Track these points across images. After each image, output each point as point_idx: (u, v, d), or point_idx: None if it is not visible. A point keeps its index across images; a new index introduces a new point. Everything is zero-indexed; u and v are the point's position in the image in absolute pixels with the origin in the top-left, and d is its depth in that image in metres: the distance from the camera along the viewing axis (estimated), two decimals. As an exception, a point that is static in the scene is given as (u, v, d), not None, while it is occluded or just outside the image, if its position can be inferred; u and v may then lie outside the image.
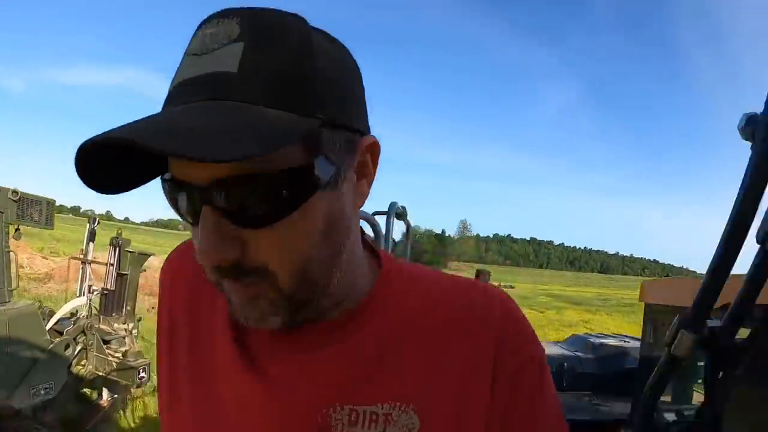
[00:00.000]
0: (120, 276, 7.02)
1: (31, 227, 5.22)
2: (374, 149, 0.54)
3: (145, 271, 7.73)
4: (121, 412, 6.59)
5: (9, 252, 4.81)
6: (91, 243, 7.52)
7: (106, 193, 0.47)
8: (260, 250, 0.47)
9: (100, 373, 6.15)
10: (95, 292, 7.07)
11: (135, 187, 0.49)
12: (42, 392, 4.86)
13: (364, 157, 0.53)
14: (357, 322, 0.58)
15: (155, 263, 7.65)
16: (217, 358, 0.61)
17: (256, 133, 0.41)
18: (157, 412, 6.90)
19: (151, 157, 0.46)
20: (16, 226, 4.96)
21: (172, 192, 0.48)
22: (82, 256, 7.53)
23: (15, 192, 4.75)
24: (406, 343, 0.57)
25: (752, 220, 1.01)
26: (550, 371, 0.62)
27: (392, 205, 2.92)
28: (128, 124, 0.41)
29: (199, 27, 0.47)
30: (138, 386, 6.37)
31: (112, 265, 7.01)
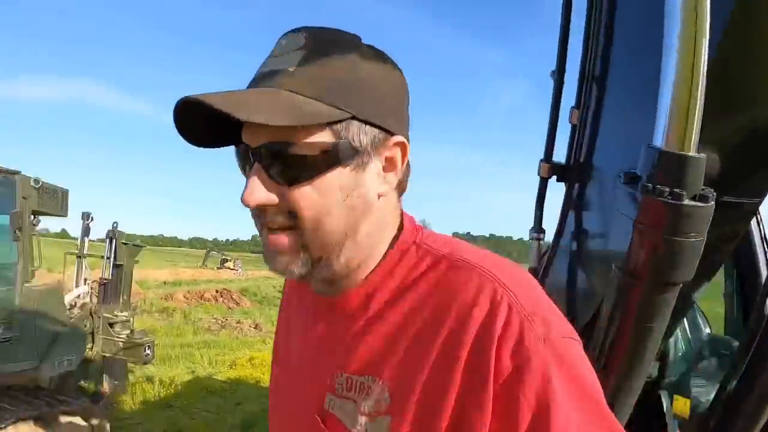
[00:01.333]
0: (116, 267, 7.41)
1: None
2: (402, 148, 0.65)
3: (138, 262, 8.12)
4: (123, 399, 6.98)
5: (33, 235, 5.22)
6: (85, 238, 7.85)
7: (197, 146, 0.64)
8: (290, 200, 0.60)
9: (107, 355, 6.54)
10: (90, 283, 7.44)
11: (220, 146, 0.66)
12: (65, 364, 5.25)
13: (392, 153, 0.65)
14: (362, 298, 0.67)
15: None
16: (297, 323, 0.80)
17: (291, 111, 0.56)
18: (155, 397, 7.34)
19: (229, 125, 0.60)
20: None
21: (239, 152, 0.64)
22: (77, 251, 7.86)
23: (36, 180, 5.15)
24: (396, 323, 0.63)
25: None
26: (579, 383, 0.55)
27: None
28: (210, 93, 0.56)
29: (280, 38, 0.63)
30: (144, 363, 6.77)
31: (108, 258, 7.39)
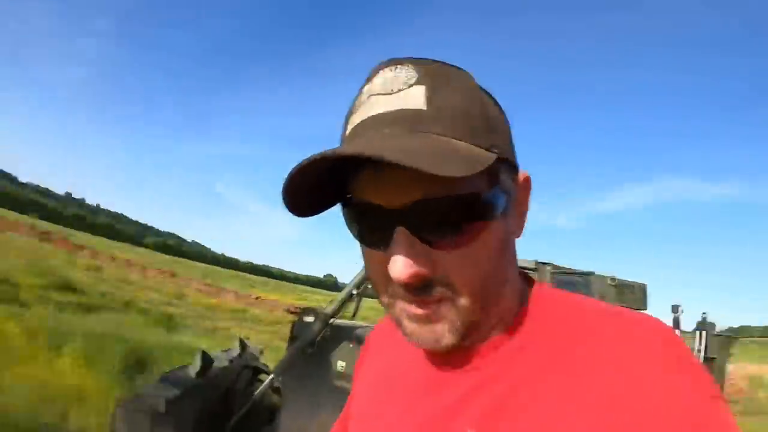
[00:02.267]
0: (707, 360, 7.13)
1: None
2: (528, 183, 0.59)
3: (732, 355, 7.55)
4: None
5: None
6: (676, 330, 7.93)
7: (298, 216, 0.54)
8: (448, 267, 0.50)
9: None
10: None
11: (315, 214, 0.55)
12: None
13: (522, 191, 0.58)
14: (500, 350, 0.57)
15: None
16: (398, 383, 0.66)
17: (460, 158, 0.46)
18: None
19: (332, 186, 0.53)
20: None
21: (360, 216, 0.53)
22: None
23: (613, 278, 5.90)
24: (546, 375, 0.53)
25: None
26: None
27: None
28: (347, 146, 0.49)
29: (375, 72, 0.53)
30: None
31: (699, 350, 7.23)
